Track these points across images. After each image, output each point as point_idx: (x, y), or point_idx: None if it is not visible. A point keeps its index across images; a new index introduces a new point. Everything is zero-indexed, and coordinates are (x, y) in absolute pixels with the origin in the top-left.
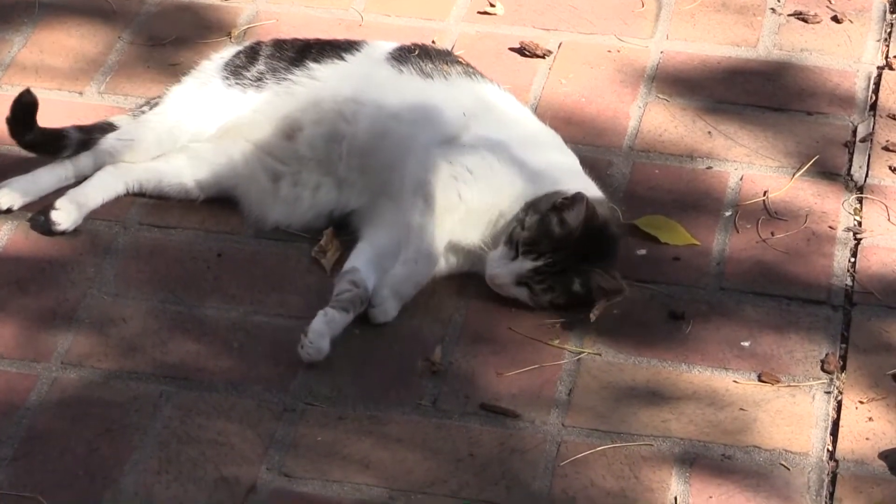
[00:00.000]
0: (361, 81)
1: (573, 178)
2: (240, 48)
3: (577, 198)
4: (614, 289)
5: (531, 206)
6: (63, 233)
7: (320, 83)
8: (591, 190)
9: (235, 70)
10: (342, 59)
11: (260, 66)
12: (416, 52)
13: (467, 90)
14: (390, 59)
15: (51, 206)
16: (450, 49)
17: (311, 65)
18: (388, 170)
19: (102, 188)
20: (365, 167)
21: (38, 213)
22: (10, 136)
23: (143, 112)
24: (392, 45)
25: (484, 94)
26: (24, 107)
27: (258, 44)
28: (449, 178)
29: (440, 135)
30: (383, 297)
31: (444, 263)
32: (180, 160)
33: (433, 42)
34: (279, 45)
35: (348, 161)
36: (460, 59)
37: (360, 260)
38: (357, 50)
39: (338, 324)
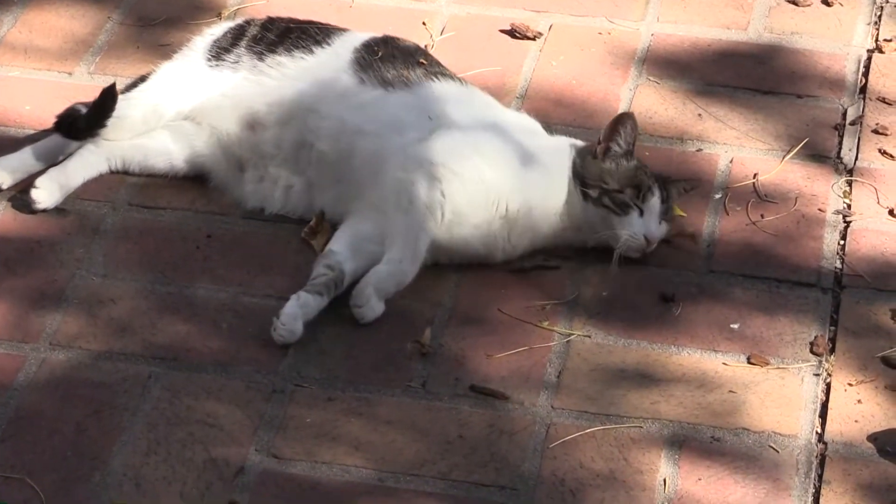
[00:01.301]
0: (323, 90)
1: (558, 146)
2: (230, 25)
3: (621, 120)
4: (689, 179)
5: (587, 179)
6: (44, 211)
7: (286, 82)
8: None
9: (219, 51)
10: (311, 53)
11: (240, 48)
12: (380, 55)
13: (430, 94)
14: (354, 63)
15: (31, 185)
16: (419, 46)
17: (282, 58)
18: (361, 183)
19: (84, 166)
20: (338, 178)
21: (20, 191)
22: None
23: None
24: (362, 38)
25: (449, 94)
26: (112, 98)
27: (248, 23)
28: (429, 178)
29: (411, 138)
30: (367, 295)
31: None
32: (164, 136)
33: (423, 23)
34: (266, 27)
35: (318, 169)
36: (424, 61)
37: (339, 244)
38: (328, 43)
39: (311, 307)
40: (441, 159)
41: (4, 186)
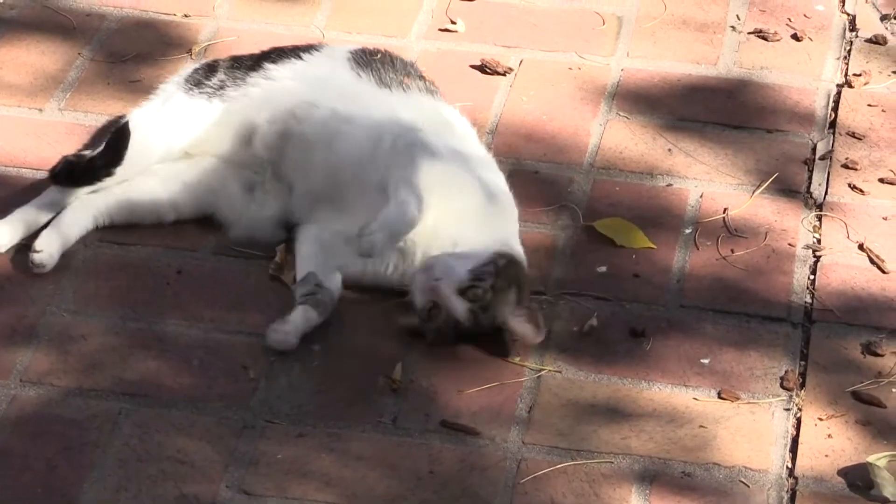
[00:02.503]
0: (317, 82)
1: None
2: (197, 65)
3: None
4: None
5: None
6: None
7: (276, 82)
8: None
9: (197, 81)
10: (300, 58)
11: (220, 75)
12: (379, 57)
13: (426, 106)
14: (351, 60)
15: (31, 249)
16: (412, 62)
17: (268, 65)
18: (333, 172)
19: (76, 225)
20: (307, 168)
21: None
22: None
23: None
24: (350, 47)
25: (442, 112)
26: (125, 135)
27: (216, 61)
28: (429, 152)
29: (406, 134)
30: (372, 228)
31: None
32: (152, 182)
33: None
34: (237, 59)
35: (292, 159)
36: (423, 74)
37: (312, 264)
38: (316, 50)
39: (311, 322)
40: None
41: (2, 250)
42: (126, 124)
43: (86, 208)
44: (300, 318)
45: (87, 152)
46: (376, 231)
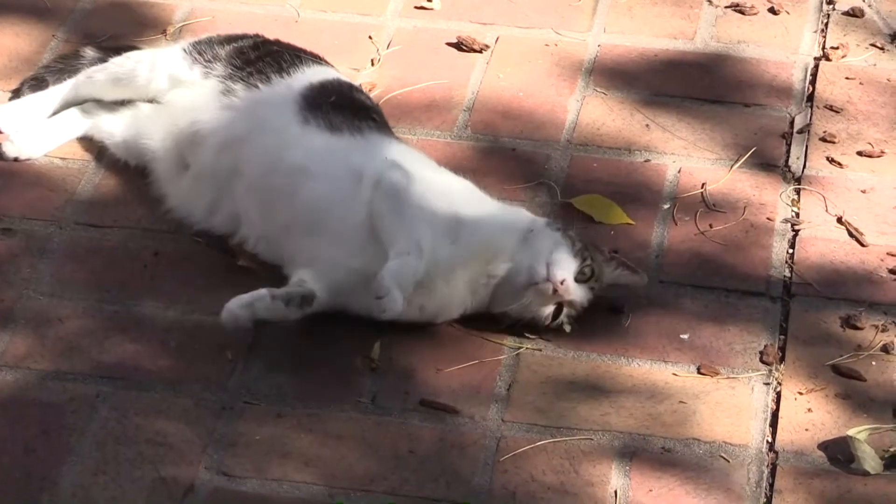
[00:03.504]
0: (261, 123)
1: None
2: (226, 34)
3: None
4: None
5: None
6: (16, 159)
7: (230, 112)
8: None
9: (201, 49)
10: (268, 82)
11: (221, 56)
12: (333, 100)
13: (382, 143)
14: (302, 100)
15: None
16: (377, 105)
17: (237, 86)
18: (314, 223)
19: (65, 122)
20: (270, 214)
21: None
22: None
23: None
24: (324, 75)
25: (400, 149)
26: None
27: (241, 37)
28: (401, 178)
29: (376, 169)
30: (387, 286)
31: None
32: (127, 115)
33: (369, 37)
34: (257, 45)
35: (247, 200)
36: (375, 117)
37: (307, 276)
38: (287, 74)
39: (265, 305)
40: (413, 182)
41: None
42: None
43: (85, 115)
44: (248, 297)
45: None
46: (392, 288)
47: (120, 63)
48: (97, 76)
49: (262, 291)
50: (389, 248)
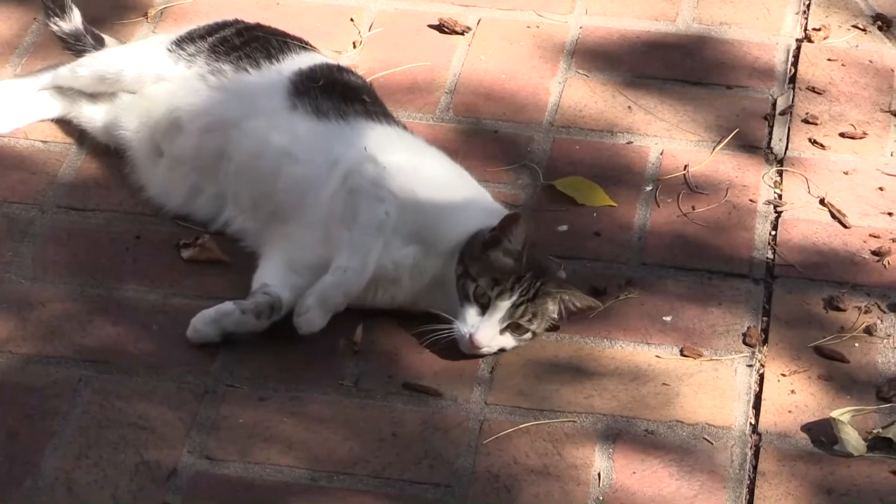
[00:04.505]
0: (252, 107)
1: (487, 211)
2: (210, 22)
3: (512, 219)
4: (587, 307)
5: (464, 257)
6: None
7: (220, 93)
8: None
9: (183, 41)
10: (257, 67)
11: (203, 46)
12: (321, 84)
13: (365, 130)
14: (290, 86)
15: None
16: (367, 83)
17: (226, 67)
18: (287, 206)
19: (37, 102)
20: (256, 197)
21: None
22: None
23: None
24: (313, 61)
25: (384, 133)
26: None
27: (225, 24)
28: (369, 185)
29: (347, 162)
30: (308, 305)
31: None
32: (106, 101)
33: (351, 19)
34: (240, 32)
35: (235, 183)
36: (367, 99)
37: (270, 277)
38: (277, 60)
39: (232, 319)
40: (381, 181)
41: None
42: None
43: (61, 97)
44: (212, 312)
45: None
46: (312, 307)
47: (106, 62)
48: (81, 71)
49: (229, 306)
50: (335, 255)
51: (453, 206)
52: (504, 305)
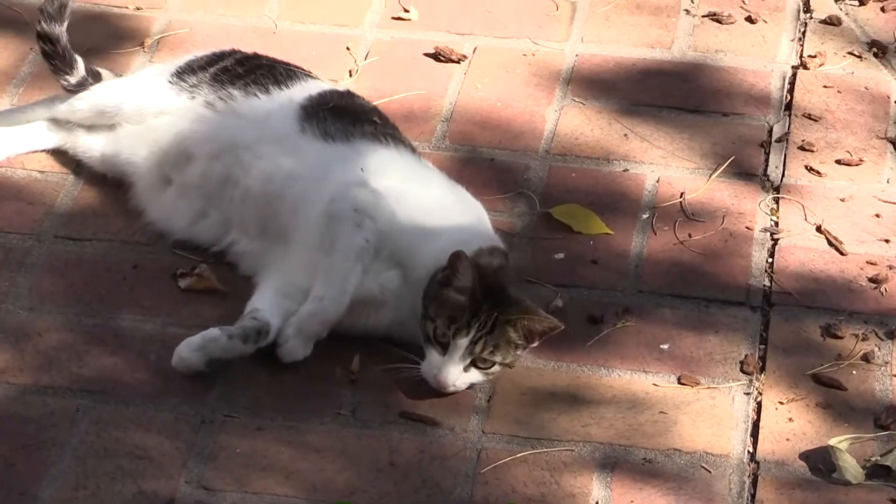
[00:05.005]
0: (263, 131)
1: (479, 238)
2: (207, 52)
3: (455, 256)
4: (549, 328)
5: (425, 298)
6: None
7: (230, 117)
8: (483, 241)
9: (183, 72)
10: (267, 93)
11: (206, 76)
12: (330, 107)
13: (368, 151)
14: (301, 110)
15: None
16: (376, 107)
17: (235, 92)
18: (286, 228)
19: (32, 133)
20: (261, 220)
21: None
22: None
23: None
24: (321, 87)
25: (387, 155)
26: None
27: (224, 54)
28: (353, 224)
29: (337, 183)
30: (287, 335)
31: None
32: (106, 135)
33: (347, 48)
34: (241, 62)
35: (241, 207)
36: (378, 121)
37: (261, 302)
38: (286, 86)
39: (218, 345)
40: (364, 207)
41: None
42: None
43: (57, 129)
44: (198, 339)
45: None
46: (291, 337)
47: (105, 96)
48: (79, 105)
49: (215, 332)
50: (314, 285)
51: (434, 231)
52: (462, 343)
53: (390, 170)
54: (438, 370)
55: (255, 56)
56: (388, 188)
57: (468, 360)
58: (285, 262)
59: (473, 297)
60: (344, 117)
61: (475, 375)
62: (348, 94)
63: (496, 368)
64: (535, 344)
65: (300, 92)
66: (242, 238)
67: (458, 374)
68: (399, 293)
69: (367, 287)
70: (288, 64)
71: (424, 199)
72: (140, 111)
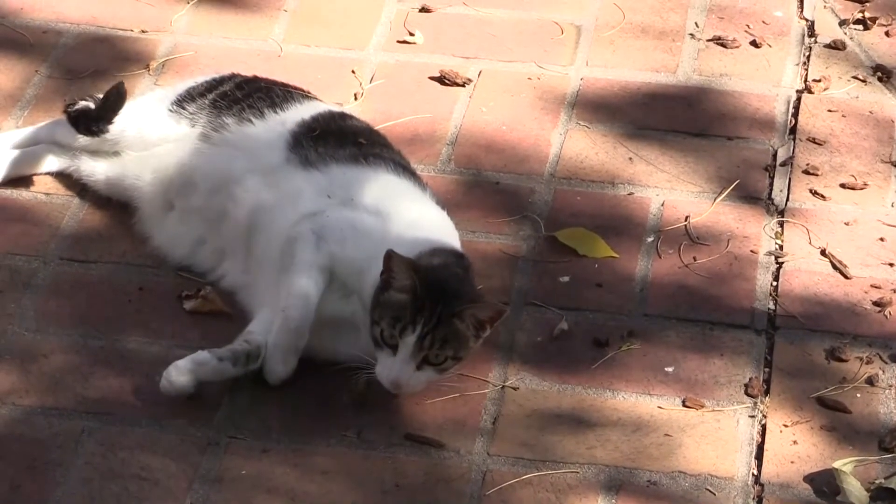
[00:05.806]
0: (252, 163)
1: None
2: (207, 78)
3: (387, 258)
4: (496, 313)
5: (370, 308)
6: None
7: (225, 148)
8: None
9: (183, 100)
10: (261, 118)
11: (205, 103)
12: (316, 133)
13: (343, 175)
14: (289, 137)
15: None
16: (369, 126)
17: (229, 121)
18: (264, 258)
19: (35, 156)
20: (247, 251)
21: None
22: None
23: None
24: (314, 110)
25: (364, 177)
26: (118, 96)
27: (223, 79)
28: (309, 233)
29: (303, 210)
30: (266, 357)
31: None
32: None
33: (352, 72)
34: (240, 86)
35: (232, 240)
36: (363, 142)
37: (256, 325)
38: (281, 110)
39: (208, 367)
40: (320, 233)
41: None
42: (121, 84)
43: (62, 153)
44: (186, 362)
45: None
46: (269, 358)
47: None
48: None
49: (205, 355)
50: (281, 303)
51: (380, 253)
52: (410, 341)
53: (362, 192)
54: (390, 370)
55: (255, 79)
56: (344, 216)
57: (419, 358)
58: (274, 291)
59: (414, 293)
60: (328, 142)
61: (430, 373)
62: (341, 116)
63: (449, 364)
64: (487, 333)
65: (294, 116)
66: (234, 268)
67: (410, 373)
68: (365, 318)
69: (339, 310)
70: (286, 85)
71: (379, 224)
72: (142, 139)
